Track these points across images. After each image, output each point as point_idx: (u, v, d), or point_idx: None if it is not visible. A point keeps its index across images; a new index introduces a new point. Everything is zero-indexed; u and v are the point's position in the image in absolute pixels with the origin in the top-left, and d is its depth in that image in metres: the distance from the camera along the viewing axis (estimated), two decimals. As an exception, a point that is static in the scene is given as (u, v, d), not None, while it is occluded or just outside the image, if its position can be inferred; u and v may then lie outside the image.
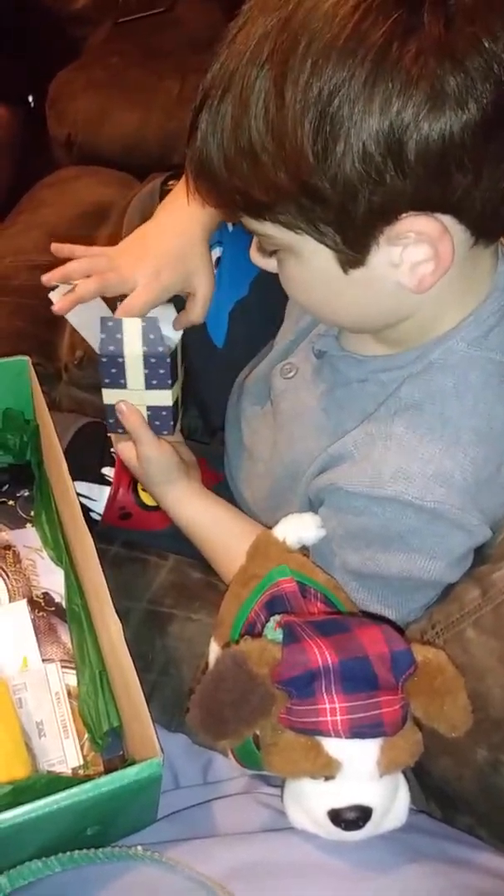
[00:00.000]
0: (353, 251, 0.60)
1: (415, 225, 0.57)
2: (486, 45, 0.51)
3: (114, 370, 0.81)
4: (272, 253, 0.67)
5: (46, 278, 0.84)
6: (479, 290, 0.67)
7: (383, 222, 0.57)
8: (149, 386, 0.82)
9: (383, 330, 0.72)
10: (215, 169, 0.59)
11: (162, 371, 0.81)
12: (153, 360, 0.80)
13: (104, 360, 0.81)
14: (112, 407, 0.83)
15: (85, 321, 0.84)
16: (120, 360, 0.80)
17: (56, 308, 0.81)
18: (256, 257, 0.70)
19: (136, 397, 0.83)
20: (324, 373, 0.78)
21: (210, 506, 0.85)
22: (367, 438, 0.69)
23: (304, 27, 0.53)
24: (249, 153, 0.56)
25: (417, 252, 0.59)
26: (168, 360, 0.80)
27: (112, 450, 0.92)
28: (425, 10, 0.51)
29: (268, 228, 0.62)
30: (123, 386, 0.82)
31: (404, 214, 0.57)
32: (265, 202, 0.59)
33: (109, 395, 0.83)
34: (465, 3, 0.51)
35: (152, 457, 0.82)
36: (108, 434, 0.88)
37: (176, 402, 0.85)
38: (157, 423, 0.84)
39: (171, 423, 0.85)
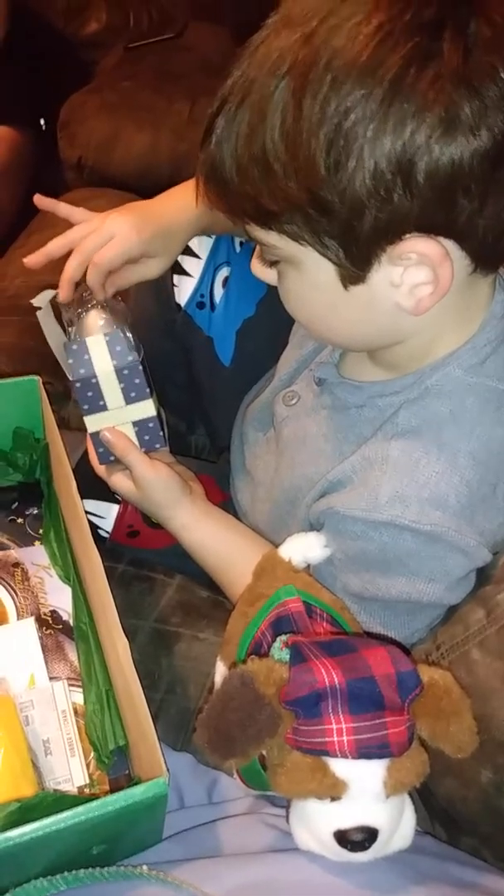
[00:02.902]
0: (355, 267, 0.60)
1: (417, 246, 0.58)
2: (503, 75, 0.53)
3: (90, 393, 0.80)
4: (273, 264, 0.67)
5: (29, 260, 0.85)
6: (476, 318, 0.68)
7: (387, 241, 0.58)
8: (129, 400, 0.81)
9: (377, 351, 0.72)
10: (226, 173, 0.60)
11: (137, 381, 0.80)
12: (126, 372, 0.80)
13: (78, 385, 0.80)
14: (98, 436, 0.82)
15: (59, 350, 0.84)
16: (94, 380, 0.80)
17: (36, 305, 0.83)
18: (257, 267, 0.70)
19: (118, 416, 0.82)
20: (324, 400, 0.79)
21: (218, 529, 0.84)
22: (365, 463, 0.70)
23: (327, 44, 0.54)
24: (262, 161, 0.57)
25: (418, 274, 0.60)
26: (140, 367, 0.80)
27: None
28: (445, 38, 0.52)
29: (272, 238, 0.63)
30: (104, 407, 0.81)
31: (408, 235, 0.58)
32: (273, 211, 0.60)
33: (92, 423, 0.82)
34: (485, 34, 0.52)
35: (150, 478, 0.81)
36: (100, 465, 0.86)
37: (159, 414, 0.84)
38: (147, 437, 0.83)
39: (161, 434, 0.84)
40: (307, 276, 0.64)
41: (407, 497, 0.66)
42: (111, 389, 0.80)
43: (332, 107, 0.54)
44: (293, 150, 0.56)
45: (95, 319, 0.83)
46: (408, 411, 0.69)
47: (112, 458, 0.83)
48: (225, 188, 0.62)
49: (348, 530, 0.69)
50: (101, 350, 0.79)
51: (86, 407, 0.81)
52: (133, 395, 0.81)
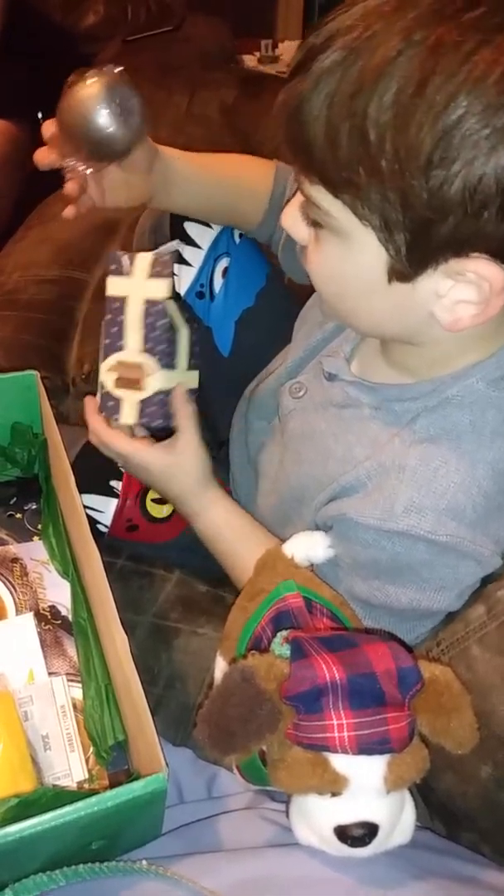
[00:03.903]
0: (410, 266, 0.57)
1: (482, 268, 0.56)
2: None
3: (111, 332, 0.80)
4: (314, 224, 0.62)
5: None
6: (502, 340, 0.66)
7: (455, 253, 0.56)
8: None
9: (395, 354, 0.71)
10: (313, 119, 0.55)
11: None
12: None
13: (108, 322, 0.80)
14: (105, 395, 0.80)
15: None
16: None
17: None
18: (292, 220, 0.65)
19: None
20: (334, 396, 0.77)
21: (238, 508, 0.83)
22: (381, 470, 0.68)
23: (476, 30, 0.49)
24: (359, 123, 0.52)
25: (465, 291, 0.58)
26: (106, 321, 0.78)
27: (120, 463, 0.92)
28: None
29: (334, 206, 0.58)
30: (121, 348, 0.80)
31: (477, 254, 0.55)
32: (351, 181, 0.55)
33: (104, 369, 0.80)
34: None
35: (195, 446, 0.80)
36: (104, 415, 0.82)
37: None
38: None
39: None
40: (352, 255, 0.60)
41: (424, 507, 0.65)
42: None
43: (459, 100, 0.49)
44: (399, 126, 0.51)
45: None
46: (427, 419, 0.67)
47: (116, 417, 0.81)
48: (305, 134, 0.55)
49: (360, 537, 0.68)
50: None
51: (107, 342, 0.80)
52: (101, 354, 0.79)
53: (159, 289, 0.79)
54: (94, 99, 0.76)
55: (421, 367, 0.69)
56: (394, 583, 0.68)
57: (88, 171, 0.80)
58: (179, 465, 0.81)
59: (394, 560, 0.67)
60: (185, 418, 0.81)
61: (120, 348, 0.79)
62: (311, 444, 0.78)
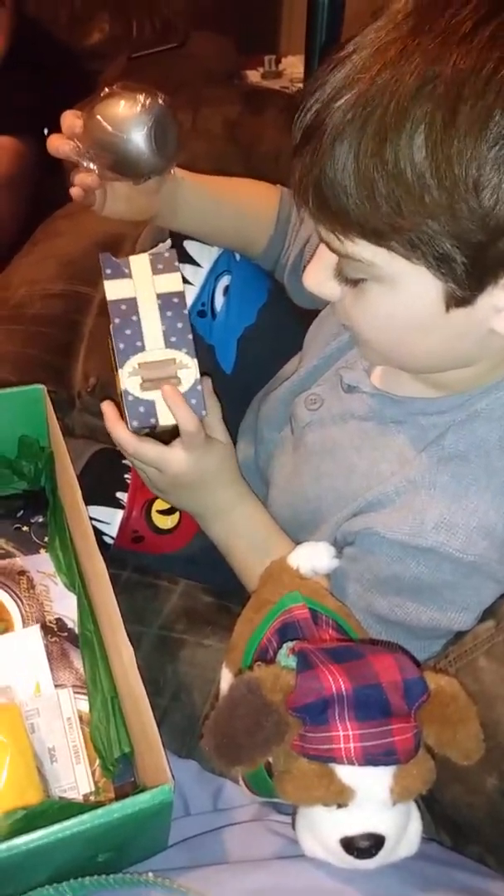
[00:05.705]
0: (470, 289, 0.56)
1: None
2: None
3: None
4: (353, 282, 0.61)
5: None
6: None
7: None
8: (119, 364, 0.77)
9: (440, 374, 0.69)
10: (341, 181, 0.54)
11: (122, 345, 0.77)
12: (114, 336, 0.77)
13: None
14: (133, 402, 0.76)
15: None
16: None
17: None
18: (320, 282, 0.64)
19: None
20: (354, 408, 0.76)
21: (262, 518, 0.83)
22: (409, 486, 0.68)
23: (491, 50, 0.49)
24: (393, 169, 0.52)
25: None
26: (113, 334, 0.76)
27: (126, 475, 0.92)
28: None
29: (378, 256, 0.57)
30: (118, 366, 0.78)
31: None
32: (395, 225, 0.54)
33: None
34: None
35: (225, 441, 0.79)
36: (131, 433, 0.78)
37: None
38: (127, 412, 0.77)
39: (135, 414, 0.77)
40: (403, 297, 0.59)
41: (454, 525, 0.65)
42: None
43: (495, 119, 0.49)
44: (438, 159, 0.50)
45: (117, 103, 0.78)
46: (455, 435, 0.67)
47: (153, 421, 0.77)
48: (336, 196, 0.55)
49: (385, 552, 0.68)
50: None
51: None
52: (117, 361, 0.77)
53: (172, 282, 0.78)
54: (143, 119, 0.77)
55: (453, 383, 0.68)
56: (415, 600, 0.68)
57: (94, 167, 0.79)
58: (215, 458, 0.79)
59: (417, 579, 0.67)
60: (214, 407, 0.80)
61: (139, 349, 0.77)
62: (332, 458, 0.77)
